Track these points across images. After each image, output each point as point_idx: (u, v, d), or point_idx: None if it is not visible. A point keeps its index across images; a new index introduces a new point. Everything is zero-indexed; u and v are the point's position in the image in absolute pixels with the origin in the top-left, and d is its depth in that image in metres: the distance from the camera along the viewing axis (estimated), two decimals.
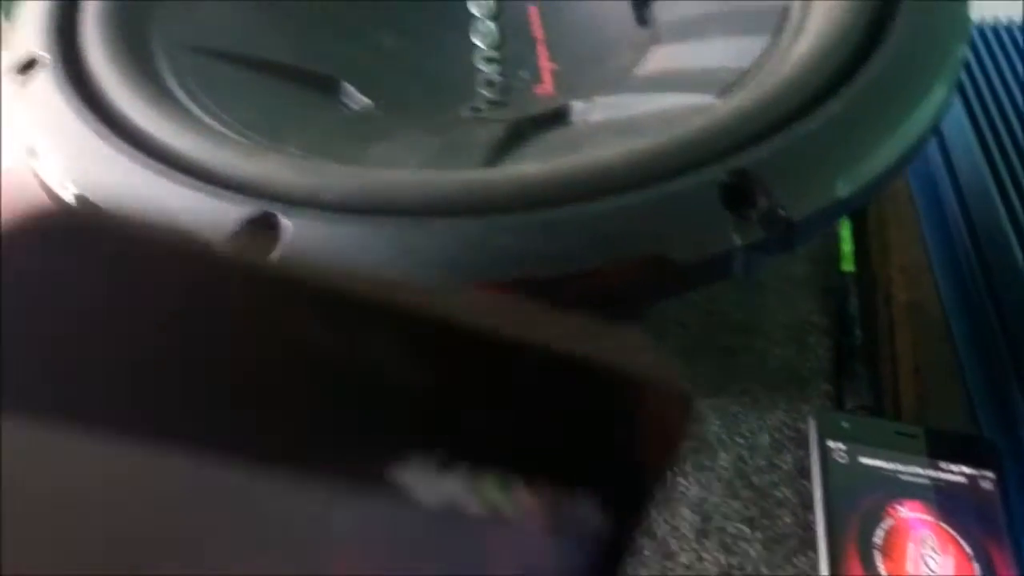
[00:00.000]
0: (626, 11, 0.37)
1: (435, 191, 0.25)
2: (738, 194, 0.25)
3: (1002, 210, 0.43)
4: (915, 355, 0.42)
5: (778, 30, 0.32)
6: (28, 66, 0.31)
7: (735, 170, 0.25)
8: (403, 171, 0.28)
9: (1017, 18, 0.51)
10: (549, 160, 0.29)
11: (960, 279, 0.44)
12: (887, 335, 0.42)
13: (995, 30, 0.51)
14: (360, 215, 0.25)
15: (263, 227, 0.24)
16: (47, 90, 0.30)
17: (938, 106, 0.29)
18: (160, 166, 0.26)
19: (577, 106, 0.33)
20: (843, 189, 0.26)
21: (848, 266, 0.44)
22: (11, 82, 0.31)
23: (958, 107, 0.49)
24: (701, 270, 0.25)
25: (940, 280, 0.44)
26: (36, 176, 0.28)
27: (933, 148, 0.49)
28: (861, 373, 0.41)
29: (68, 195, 0.27)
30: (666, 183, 0.25)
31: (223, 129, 0.30)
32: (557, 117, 0.33)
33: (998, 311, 0.41)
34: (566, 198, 0.25)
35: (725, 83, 0.30)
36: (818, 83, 0.28)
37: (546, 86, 0.35)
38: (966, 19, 0.31)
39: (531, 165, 0.27)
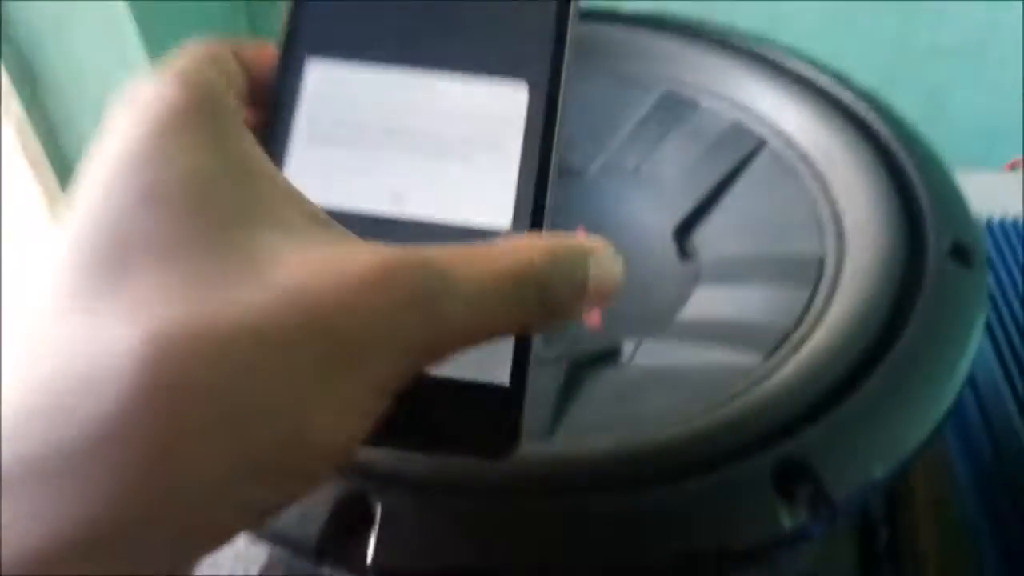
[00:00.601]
0: (668, 240, 0.40)
1: (504, 470, 0.27)
2: (787, 479, 0.28)
3: (1015, 411, 0.45)
4: (938, 555, 0.43)
5: (815, 285, 0.35)
6: None
7: (787, 456, 0.28)
8: None
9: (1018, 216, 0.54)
10: (606, 417, 0.32)
11: (981, 477, 0.46)
12: (910, 534, 0.44)
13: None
14: (444, 493, 0.27)
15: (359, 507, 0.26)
16: None
17: (964, 377, 0.31)
18: None
19: (627, 347, 0.35)
20: (883, 468, 0.29)
21: None
22: None
23: None
24: (748, 557, 0.27)
25: (961, 478, 0.46)
26: None
27: None
28: (887, 574, 0.42)
29: None
30: (723, 469, 0.27)
31: None
32: (608, 357, 0.35)
33: (1018, 514, 0.43)
34: (628, 483, 0.27)
35: (765, 344, 0.33)
36: (855, 355, 0.31)
37: (594, 320, 0.37)
38: (984, 288, 0.34)
39: (596, 440, 0.29)
